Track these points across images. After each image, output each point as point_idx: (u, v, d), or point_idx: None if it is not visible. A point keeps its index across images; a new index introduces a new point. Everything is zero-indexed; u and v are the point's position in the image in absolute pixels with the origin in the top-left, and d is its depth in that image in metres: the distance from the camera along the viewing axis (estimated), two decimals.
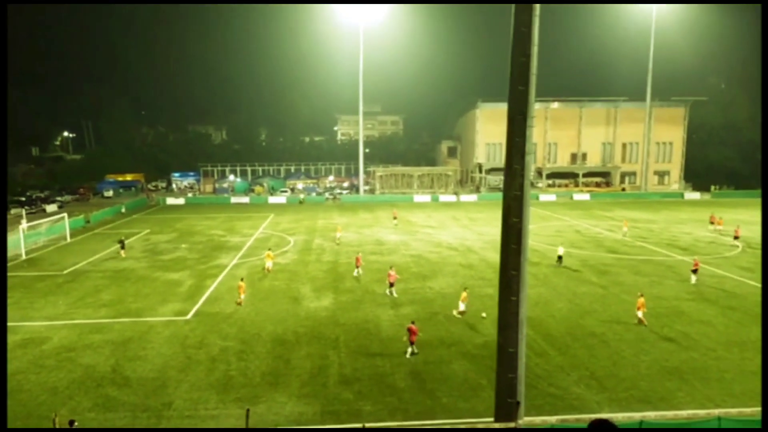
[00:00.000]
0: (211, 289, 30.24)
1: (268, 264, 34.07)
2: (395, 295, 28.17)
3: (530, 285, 28.32)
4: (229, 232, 49.64)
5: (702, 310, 25.66)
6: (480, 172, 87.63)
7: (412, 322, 21.11)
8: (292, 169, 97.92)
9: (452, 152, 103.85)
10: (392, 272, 28.88)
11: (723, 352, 20.69)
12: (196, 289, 30.28)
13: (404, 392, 17.66)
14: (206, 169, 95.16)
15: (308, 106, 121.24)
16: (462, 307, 24.94)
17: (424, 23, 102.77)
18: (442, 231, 49.55)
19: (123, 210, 65.16)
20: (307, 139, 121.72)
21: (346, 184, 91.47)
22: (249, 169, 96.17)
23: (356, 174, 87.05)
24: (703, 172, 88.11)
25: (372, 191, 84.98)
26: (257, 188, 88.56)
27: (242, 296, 27.25)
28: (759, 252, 38.93)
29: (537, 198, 76.07)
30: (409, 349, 20.57)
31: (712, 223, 50.21)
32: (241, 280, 29.01)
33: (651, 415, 12.92)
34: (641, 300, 24.09)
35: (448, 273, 33.26)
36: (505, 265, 13.13)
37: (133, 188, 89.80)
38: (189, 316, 25.40)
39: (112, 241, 44.08)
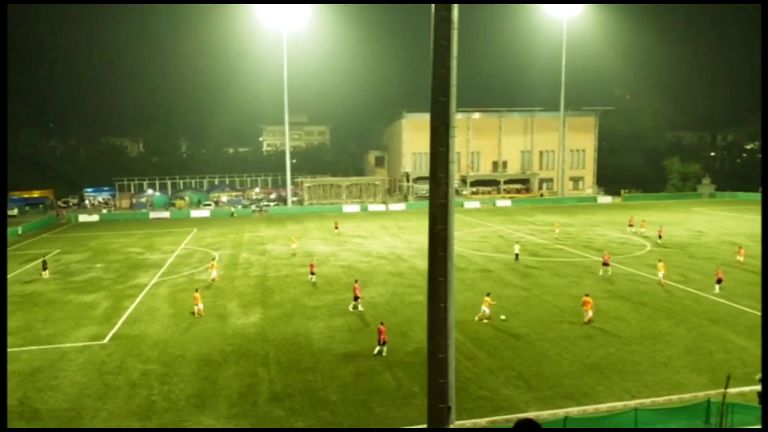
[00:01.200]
0: (130, 310, 28.60)
1: (213, 274, 34.03)
2: (361, 308, 27.48)
3: (458, 290, 28.93)
4: (148, 249, 47.29)
5: (617, 308, 27.25)
6: (408, 181, 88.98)
7: (381, 323, 21.88)
8: (216, 181, 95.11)
9: (380, 162, 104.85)
10: (357, 285, 28.25)
11: (637, 346, 22.03)
12: (113, 310, 28.53)
13: (337, 405, 17.45)
14: (122, 183, 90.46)
15: (231, 116, 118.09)
16: (486, 311, 25.56)
17: (349, 33, 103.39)
18: (371, 240, 49.74)
19: (20, 232, 58.21)
20: (231, 151, 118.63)
21: (273, 196, 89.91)
22: (169, 182, 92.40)
23: (283, 185, 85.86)
24: (614, 177, 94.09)
25: (300, 202, 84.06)
26: (178, 202, 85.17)
27: (199, 305, 27.04)
28: (667, 250, 41.95)
29: (462, 205, 78.17)
30: (377, 348, 21.31)
31: (631, 225, 53.08)
32: (196, 290, 28.44)
33: (574, 411, 13.51)
34: (588, 299, 25.18)
35: (379, 282, 33.37)
36: (432, 272, 13.30)
37: (41, 206, 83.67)
38: (106, 340, 23.86)
39: (17, 263, 40.73)
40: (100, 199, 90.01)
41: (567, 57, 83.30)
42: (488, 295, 26.54)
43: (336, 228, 55.32)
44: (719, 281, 30.21)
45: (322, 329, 24.77)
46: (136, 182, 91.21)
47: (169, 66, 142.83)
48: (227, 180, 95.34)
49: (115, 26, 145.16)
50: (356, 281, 29.12)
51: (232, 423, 16.46)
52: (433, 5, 11.68)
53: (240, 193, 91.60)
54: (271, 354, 21.92)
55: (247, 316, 27.06)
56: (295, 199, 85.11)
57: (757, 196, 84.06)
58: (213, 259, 37.81)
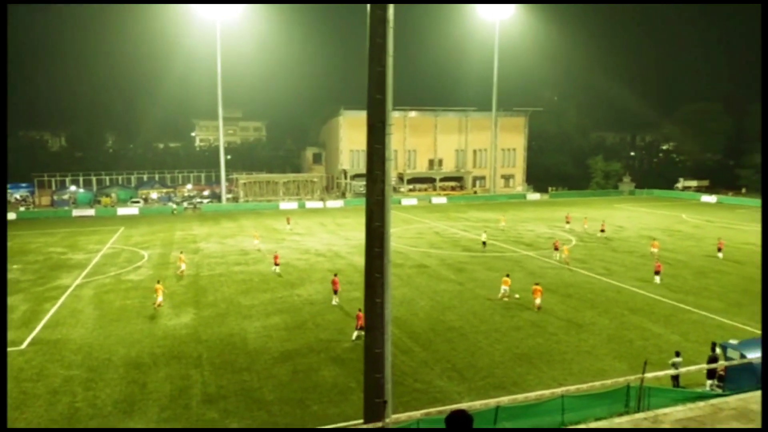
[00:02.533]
0: (51, 313, 26.98)
1: (182, 267, 34.73)
2: (338, 302, 27.60)
3: (394, 286, 29.29)
4: (71, 249, 44.72)
5: (545, 300, 28.37)
6: (345, 178, 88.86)
7: (360, 310, 21.60)
8: (145, 177, 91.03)
9: (317, 159, 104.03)
10: (336, 279, 28.27)
11: (563, 335, 23.15)
12: (32, 314, 26.82)
13: (273, 405, 17.26)
14: (42, 179, 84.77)
15: (162, 110, 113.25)
16: (506, 290, 28.12)
17: (286, 27, 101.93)
18: (309, 238, 49.36)
19: None
20: (161, 146, 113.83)
21: (206, 193, 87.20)
22: (94, 178, 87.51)
23: (218, 182, 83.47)
24: (542, 175, 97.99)
25: (235, 199, 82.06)
26: (104, 199, 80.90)
27: (160, 298, 27.27)
28: (591, 244, 44.20)
29: (399, 202, 79.02)
30: (356, 333, 22.24)
31: (567, 222, 55.33)
32: (158, 282, 28.62)
33: (505, 400, 14.03)
34: (537, 287, 26.92)
35: (316, 280, 33.21)
36: (369, 269, 13.43)
37: None
38: (24, 346, 22.41)
39: None
40: (17, 196, 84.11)
41: (499, 59, 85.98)
42: (507, 276, 29.36)
43: (288, 224, 55.74)
44: (657, 272, 32.37)
45: (258, 328, 24.39)
46: (58, 178, 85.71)
47: (94, 56, 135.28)
48: (157, 176, 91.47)
49: (35, 12, 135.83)
50: (335, 275, 29.31)
51: (163, 427, 15.93)
52: (368, 4, 11.78)
53: (171, 190, 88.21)
54: (205, 355, 21.36)
55: (178, 316, 26.19)
56: (230, 196, 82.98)
57: (673, 193, 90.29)
58: (181, 252, 38.18)
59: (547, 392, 14.60)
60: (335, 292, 28.04)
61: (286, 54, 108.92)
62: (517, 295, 28.19)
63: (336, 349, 21.74)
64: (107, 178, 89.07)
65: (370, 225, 13.38)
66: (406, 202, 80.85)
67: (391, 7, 11.84)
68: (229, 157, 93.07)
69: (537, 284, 27.60)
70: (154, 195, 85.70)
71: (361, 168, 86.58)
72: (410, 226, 56.16)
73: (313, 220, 61.91)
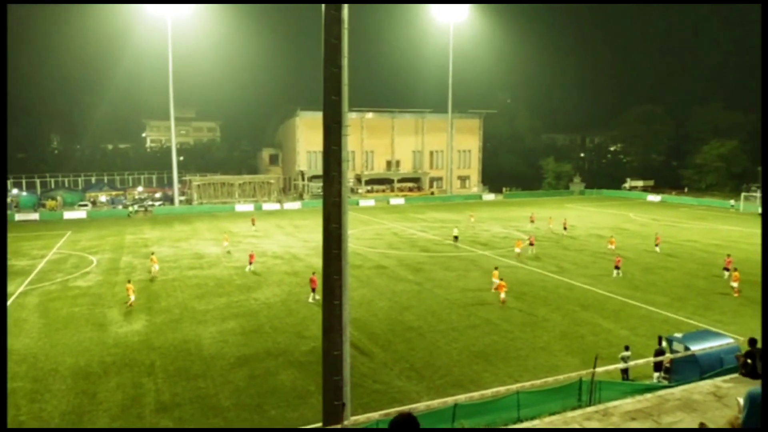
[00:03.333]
0: None
1: (155, 267, 34.82)
2: (318, 298, 26.70)
3: (353, 287, 29.28)
4: (14, 255, 42.57)
5: (500, 297, 29.02)
6: (303, 179, 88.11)
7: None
8: (93, 179, 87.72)
9: (274, 160, 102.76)
10: (314, 277, 27.52)
11: (518, 333, 23.67)
12: None
13: (229, 411, 16.93)
14: None
15: (111, 110, 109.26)
16: (496, 282, 29.59)
17: (240, 25, 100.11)
18: (266, 240, 48.68)
19: None
20: (110, 147, 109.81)
21: (158, 195, 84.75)
22: (38, 180, 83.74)
23: (170, 184, 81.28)
24: (497, 176, 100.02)
25: (189, 202, 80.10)
26: (49, 203, 77.44)
27: (132, 297, 27.92)
28: (544, 243, 45.35)
29: (357, 204, 78.98)
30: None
31: (532, 221, 57.04)
32: (129, 281, 29.20)
33: (462, 398, 14.23)
34: (502, 283, 28.49)
35: (274, 283, 32.79)
36: (327, 271, 13.37)
37: None
38: None
39: None
40: None
41: (454, 61, 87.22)
42: (496, 268, 31.93)
43: (253, 224, 55.96)
44: (617, 267, 34.15)
45: (214, 333, 23.88)
46: None
47: (37, 53, 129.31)
48: (106, 178, 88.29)
49: None
50: (313, 273, 29.02)
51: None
52: (323, 5, 11.73)
53: (121, 193, 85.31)
54: (158, 362, 20.74)
55: (130, 323, 25.35)
56: (183, 198, 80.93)
57: (621, 193, 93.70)
58: (152, 253, 37.84)
59: (502, 389, 14.86)
60: (313, 290, 28.17)
61: (240, 53, 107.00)
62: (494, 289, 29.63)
63: (294, 353, 21.52)
64: (52, 180, 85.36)
65: (328, 226, 13.33)
66: (364, 203, 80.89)
67: (345, 8, 11.83)
68: (181, 158, 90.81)
69: (501, 280, 29.10)
70: (102, 198, 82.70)
71: (319, 169, 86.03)
72: (368, 227, 56.21)
73: (270, 222, 61.11)
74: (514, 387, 14.89)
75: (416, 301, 28.51)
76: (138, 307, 27.94)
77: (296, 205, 78.38)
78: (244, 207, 75.29)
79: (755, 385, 4.83)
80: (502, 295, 27.90)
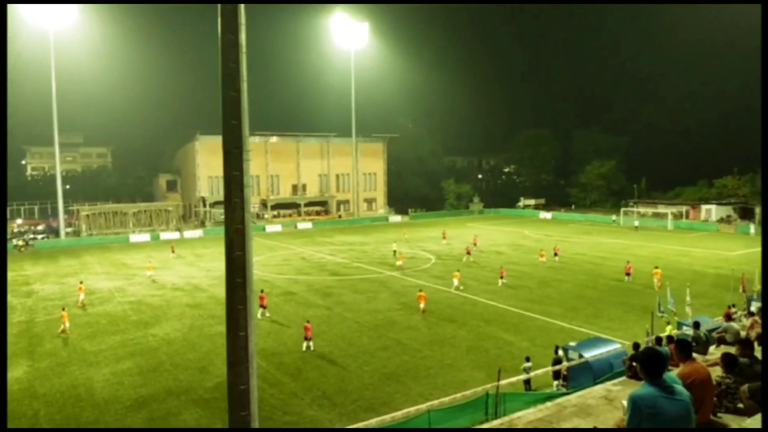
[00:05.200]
0: None
1: (81, 296, 33.89)
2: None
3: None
4: None
5: (409, 317, 29.51)
6: (204, 206, 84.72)
7: (307, 321, 25.28)
8: None
9: (172, 186, 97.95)
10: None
11: (427, 351, 24.10)
12: None
13: None
14: None
15: None
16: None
17: (132, 45, 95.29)
18: (165, 271, 45.99)
19: None
20: None
21: (41, 227, 77.48)
22: None
23: (54, 215, 74.74)
24: (402, 198, 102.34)
25: (77, 233, 74.00)
26: None
27: (66, 324, 27.51)
28: (448, 262, 46.79)
29: (264, 229, 77.18)
30: (305, 344, 24.14)
31: (444, 238, 60.62)
32: (63, 309, 28.96)
33: (373, 422, 14.19)
34: (422, 294, 30.83)
35: (174, 316, 30.99)
36: (231, 300, 12.84)
37: None
38: None
39: None
40: None
41: (357, 87, 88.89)
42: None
43: (172, 252, 54.42)
44: (502, 276, 37.65)
45: (107, 375, 22.04)
46: None
47: None
48: None
49: None
50: (262, 291, 30.57)
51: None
52: (219, 28, 11.51)
53: None
54: (42, 412, 18.75)
55: (8, 370, 22.74)
56: (69, 230, 74.60)
57: (516, 211, 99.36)
58: (81, 282, 36.66)
59: (413, 409, 15.01)
60: (262, 306, 29.36)
61: (133, 72, 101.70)
62: (462, 287, 34.35)
63: (198, 390, 20.38)
64: None
65: (231, 254, 12.86)
66: (271, 228, 79.21)
67: (243, 32, 11.68)
68: (68, 186, 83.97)
69: (420, 291, 31.44)
70: None
71: (221, 195, 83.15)
72: (276, 253, 55.03)
73: (169, 252, 57.93)
74: (424, 406, 15.10)
75: (326, 327, 28.18)
76: (17, 351, 25.17)
77: (198, 232, 75.08)
78: (139, 237, 70.85)
79: (637, 387, 5.25)
80: (422, 305, 29.99)
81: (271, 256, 53.32)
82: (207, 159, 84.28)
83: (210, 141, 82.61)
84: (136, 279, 42.58)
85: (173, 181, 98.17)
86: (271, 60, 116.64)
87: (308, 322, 25.33)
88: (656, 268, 36.79)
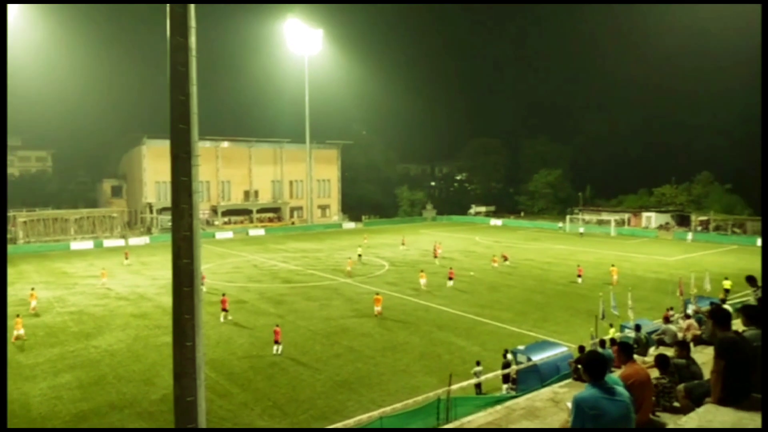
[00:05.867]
0: None
1: (33, 303, 33.03)
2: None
3: (209, 326, 27.73)
4: None
5: (362, 324, 29.44)
6: (151, 212, 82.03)
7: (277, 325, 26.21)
8: None
9: (117, 192, 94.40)
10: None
11: (380, 358, 24.09)
12: None
13: None
14: None
15: None
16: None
17: (72, 42, 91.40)
18: (108, 280, 44.14)
19: None
20: None
21: None
22: None
23: None
24: (356, 204, 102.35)
25: (13, 241, 70.10)
26: None
27: (21, 331, 26.71)
28: (402, 268, 47.01)
29: (214, 236, 75.47)
30: (275, 347, 24.26)
31: (403, 244, 61.21)
32: (18, 316, 27.91)
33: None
34: (378, 297, 31.73)
35: (117, 327, 29.77)
36: (177, 310, 12.51)
37: None
38: None
39: None
40: None
41: (311, 93, 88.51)
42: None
43: (126, 258, 52.55)
44: (450, 278, 38.78)
45: (45, 390, 20.91)
46: None
47: None
48: None
49: None
50: (224, 294, 31.60)
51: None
52: (168, 29, 11.23)
53: None
54: None
55: None
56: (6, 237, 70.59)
57: (467, 218, 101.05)
58: (32, 289, 35.76)
59: (365, 416, 14.96)
60: (224, 310, 30.12)
61: (76, 72, 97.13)
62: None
63: (143, 403, 19.61)
64: None
65: (178, 262, 12.55)
66: (221, 235, 77.50)
67: (192, 34, 11.45)
68: None
69: (377, 294, 32.44)
70: None
71: (169, 201, 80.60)
72: (226, 261, 53.83)
73: (113, 260, 55.64)
74: (377, 413, 15.08)
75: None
76: None
77: (144, 239, 72.58)
78: (81, 245, 67.84)
79: (581, 389, 5.42)
80: (378, 308, 30.85)
81: (222, 263, 52.14)
82: (154, 164, 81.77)
83: (158, 145, 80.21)
84: (77, 288, 40.70)
85: (118, 187, 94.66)
86: (223, 64, 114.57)
87: (278, 326, 25.59)
88: (612, 266, 41.28)
